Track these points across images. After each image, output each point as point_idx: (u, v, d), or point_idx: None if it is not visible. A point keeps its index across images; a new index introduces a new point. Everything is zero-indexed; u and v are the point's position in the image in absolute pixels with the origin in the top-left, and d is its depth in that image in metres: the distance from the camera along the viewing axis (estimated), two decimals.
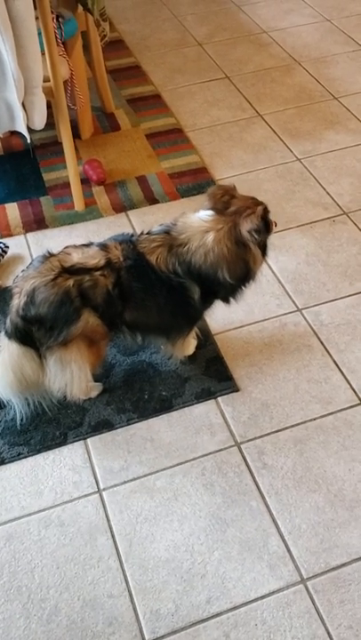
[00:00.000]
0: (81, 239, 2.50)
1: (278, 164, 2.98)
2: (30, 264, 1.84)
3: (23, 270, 1.86)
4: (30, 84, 2.23)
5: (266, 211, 1.77)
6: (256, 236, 1.73)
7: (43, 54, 2.28)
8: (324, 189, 2.84)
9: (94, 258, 1.76)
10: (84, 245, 1.84)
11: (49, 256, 1.79)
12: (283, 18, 4.08)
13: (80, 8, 2.77)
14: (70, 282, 1.71)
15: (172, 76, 3.61)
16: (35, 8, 2.14)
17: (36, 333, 1.74)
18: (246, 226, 1.73)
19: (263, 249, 1.82)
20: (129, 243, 1.81)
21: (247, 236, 1.73)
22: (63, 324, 1.71)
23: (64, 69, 2.53)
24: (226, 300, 1.92)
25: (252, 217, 1.73)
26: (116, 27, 4.02)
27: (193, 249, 1.76)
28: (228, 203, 1.78)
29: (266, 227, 1.78)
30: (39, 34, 2.21)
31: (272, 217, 1.88)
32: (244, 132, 3.18)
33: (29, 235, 2.67)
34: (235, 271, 1.78)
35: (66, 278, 1.71)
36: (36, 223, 2.70)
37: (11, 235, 2.66)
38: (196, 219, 1.81)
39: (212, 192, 1.83)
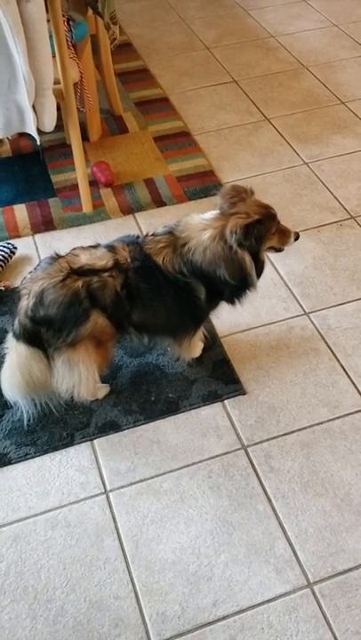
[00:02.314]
0: (89, 241, 2.50)
1: (286, 168, 2.99)
2: (38, 265, 1.84)
3: (31, 272, 1.86)
4: (41, 87, 2.24)
5: (258, 222, 1.74)
6: (233, 238, 1.71)
7: (53, 57, 2.29)
8: (332, 193, 2.84)
9: (102, 259, 1.77)
10: (91, 247, 1.84)
11: (57, 257, 1.80)
12: (290, 23, 4.09)
13: (90, 11, 2.78)
14: (79, 283, 1.71)
15: (180, 79, 3.62)
16: (46, 11, 2.15)
17: (44, 334, 1.74)
18: (228, 226, 1.73)
19: (254, 257, 1.79)
20: (135, 244, 1.82)
21: (228, 237, 1.73)
22: (72, 324, 1.72)
23: (74, 72, 2.54)
24: (231, 302, 1.92)
25: (237, 221, 1.72)
26: (125, 30, 4.03)
27: (193, 247, 1.77)
28: (234, 204, 1.78)
29: (248, 235, 1.72)
30: (50, 36, 2.22)
31: (287, 224, 1.90)
32: (251, 135, 3.19)
33: (37, 236, 2.67)
34: (232, 271, 1.78)
35: (75, 279, 1.71)
36: (44, 224, 2.71)
37: (19, 236, 2.66)
38: (197, 218, 1.82)
39: (224, 191, 1.83)
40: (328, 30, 4.00)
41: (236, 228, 1.70)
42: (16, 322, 1.78)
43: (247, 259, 1.75)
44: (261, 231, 1.75)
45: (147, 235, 1.86)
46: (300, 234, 1.95)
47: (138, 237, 1.85)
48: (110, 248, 1.79)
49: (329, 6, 4.25)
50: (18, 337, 1.78)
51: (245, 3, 4.33)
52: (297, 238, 1.93)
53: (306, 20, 4.11)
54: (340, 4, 4.27)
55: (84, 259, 1.76)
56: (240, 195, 1.80)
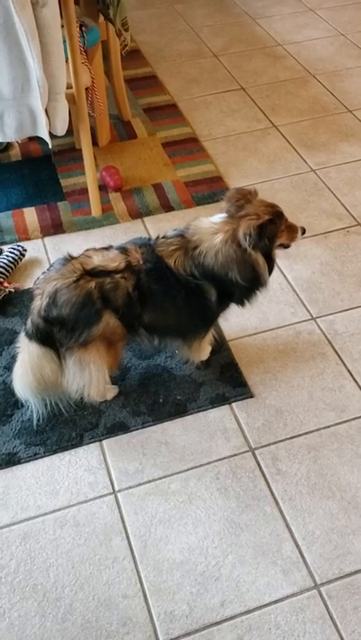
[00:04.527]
0: (98, 244, 2.52)
1: (293, 175, 3.01)
2: (51, 266, 1.87)
3: (44, 272, 1.88)
4: (54, 91, 2.27)
5: (270, 222, 1.77)
6: (248, 241, 1.74)
7: (66, 62, 2.32)
8: (339, 200, 2.87)
9: (115, 261, 1.79)
10: (103, 248, 1.87)
11: (70, 259, 1.82)
12: (298, 31, 4.13)
13: (102, 17, 2.82)
14: (92, 284, 1.73)
15: (188, 86, 3.65)
16: (60, 17, 2.18)
17: (56, 334, 1.76)
18: (241, 229, 1.75)
19: (266, 256, 1.82)
20: (147, 246, 1.84)
21: (241, 239, 1.75)
22: (84, 325, 1.74)
23: (86, 77, 2.57)
24: (241, 303, 1.94)
25: (250, 222, 1.74)
26: (134, 37, 4.06)
27: (204, 250, 1.79)
28: (241, 207, 1.81)
29: (262, 235, 1.75)
30: (63, 41, 2.25)
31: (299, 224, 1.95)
32: (259, 142, 3.22)
33: (47, 239, 2.70)
34: (244, 273, 1.80)
35: (88, 280, 1.74)
36: (54, 227, 2.73)
37: (28, 238, 2.69)
38: (206, 222, 1.85)
39: (229, 195, 1.86)
40: (335, 39, 4.04)
41: (249, 229, 1.72)
42: (29, 321, 1.80)
43: (260, 260, 1.78)
44: (273, 230, 1.78)
45: (158, 237, 1.88)
46: (305, 228, 2.00)
47: (150, 240, 1.87)
48: (123, 250, 1.82)
49: (336, 15, 4.29)
50: (30, 336, 1.79)
51: (253, 11, 4.37)
52: (304, 232, 1.96)
53: (313, 29, 4.15)
54: (347, 14, 4.31)
55: (97, 260, 1.78)
56: (246, 197, 1.83)
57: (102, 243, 2.59)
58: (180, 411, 2.05)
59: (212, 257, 1.78)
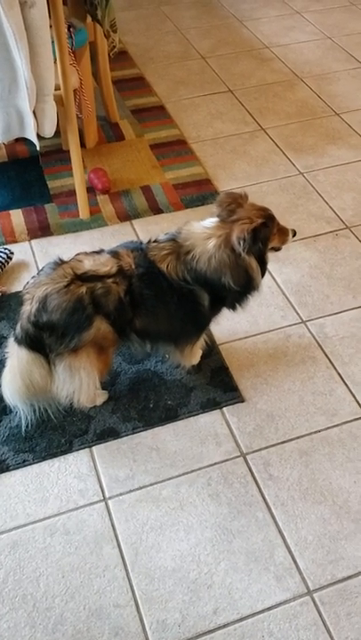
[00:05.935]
0: (86, 247, 2.51)
1: (281, 178, 3.01)
2: (41, 270, 1.84)
3: (34, 277, 1.85)
4: (42, 92, 2.24)
5: (263, 225, 1.76)
6: (243, 245, 1.73)
7: (54, 63, 2.29)
8: (327, 203, 2.87)
9: (106, 265, 1.77)
10: (95, 252, 1.84)
11: (60, 263, 1.79)
12: (285, 34, 4.13)
13: (89, 19, 2.79)
14: (83, 289, 1.71)
15: (176, 87, 3.64)
16: (49, 17, 2.15)
17: (46, 340, 1.73)
18: (234, 234, 1.74)
19: (259, 260, 1.82)
20: (139, 250, 1.82)
21: (235, 244, 1.74)
22: (75, 330, 1.71)
23: (74, 78, 2.55)
24: (233, 307, 1.93)
25: (243, 227, 1.74)
26: (121, 38, 4.02)
27: (197, 255, 1.78)
28: (233, 211, 1.80)
29: (256, 239, 1.75)
30: (52, 42, 2.22)
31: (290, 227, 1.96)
32: (247, 144, 3.22)
33: (34, 241, 2.66)
34: (238, 278, 1.80)
35: (79, 285, 1.71)
36: (41, 230, 2.70)
37: (15, 241, 2.65)
38: (199, 226, 1.83)
39: (220, 199, 1.85)
40: (322, 42, 4.05)
41: (243, 234, 1.71)
42: (18, 326, 1.77)
43: (253, 264, 1.78)
44: (266, 233, 1.78)
45: (150, 241, 1.87)
46: (296, 231, 2.02)
47: (141, 244, 1.85)
48: (114, 254, 1.80)
49: (322, 19, 4.30)
50: (20, 342, 1.76)
51: (240, 14, 4.37)
52: (294, 234, 1.97)
53: (300, 32, 4.16)
54: (333, 17, 4.33)
55: (88, 264, 1.76)
56: (237, 201, 1.82)
57: (90, 245, 2.57)
58: (170, 416, 2.04)
59: (205, 262, 1.77)
